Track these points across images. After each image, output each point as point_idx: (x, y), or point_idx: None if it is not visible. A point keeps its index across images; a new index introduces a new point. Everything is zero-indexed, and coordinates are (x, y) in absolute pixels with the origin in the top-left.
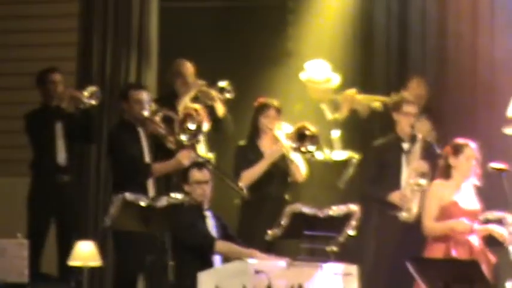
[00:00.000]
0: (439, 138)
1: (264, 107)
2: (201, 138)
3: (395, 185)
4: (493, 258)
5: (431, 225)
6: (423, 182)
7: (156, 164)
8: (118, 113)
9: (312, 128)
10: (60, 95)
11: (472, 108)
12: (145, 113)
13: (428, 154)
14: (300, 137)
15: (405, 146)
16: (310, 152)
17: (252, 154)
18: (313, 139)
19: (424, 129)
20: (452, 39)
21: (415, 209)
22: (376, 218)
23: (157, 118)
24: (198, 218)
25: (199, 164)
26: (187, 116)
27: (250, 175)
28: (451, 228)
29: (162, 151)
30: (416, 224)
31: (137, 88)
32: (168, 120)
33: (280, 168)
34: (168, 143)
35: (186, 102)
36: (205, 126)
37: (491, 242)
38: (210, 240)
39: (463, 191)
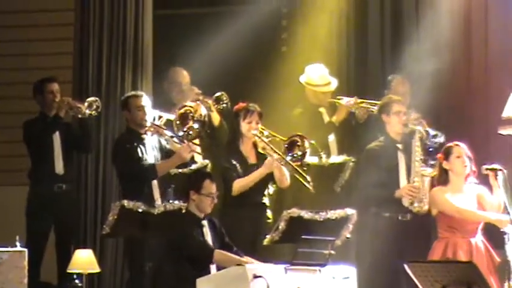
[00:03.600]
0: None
1: (245, 112)
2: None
3: (396, 185)
4: (497, 259)
5: (455, 208)
6: (429, 170)
7: (159, 163)
8: (114, 121)
9: (305, 143)
10: (58, 105)
11: (467, 109)
12: (148, 119)
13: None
14: (290, 145)
15: (400, 146)
16: (300, 157)
17: (234, 159)
18: (302, 149)
19: (415, 117)
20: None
21: (426, 203)
22: (372, 220)
23: (161, 122)
24: (196, 228)
25: (212, 176)
26: (186, 116)
27: (243, 184)
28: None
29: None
30: (413, 225)
31: (136, 95)
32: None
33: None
34: (173, 145)
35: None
36: (204, 111)
37: (496, 243)
38: (208, 252)
39: (462, 192)
